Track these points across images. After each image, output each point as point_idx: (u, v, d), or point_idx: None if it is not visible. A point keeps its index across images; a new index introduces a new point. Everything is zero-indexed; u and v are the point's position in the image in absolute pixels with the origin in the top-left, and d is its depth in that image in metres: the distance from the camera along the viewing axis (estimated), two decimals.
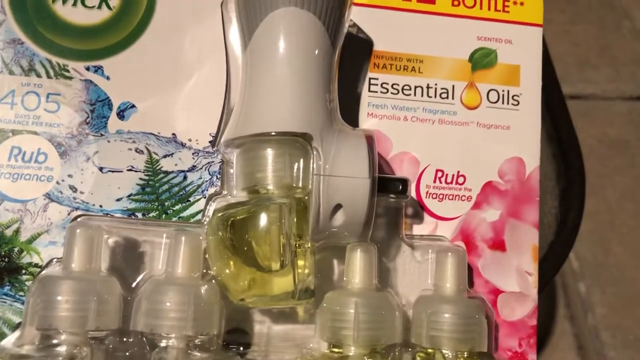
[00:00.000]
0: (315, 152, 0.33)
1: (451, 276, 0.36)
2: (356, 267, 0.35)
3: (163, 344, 0.32)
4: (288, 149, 0.34)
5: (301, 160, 0.34)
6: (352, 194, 0.33)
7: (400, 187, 0.36)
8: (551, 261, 0.51)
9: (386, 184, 0.35)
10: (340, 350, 0.34)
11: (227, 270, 0.34)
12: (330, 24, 0.35)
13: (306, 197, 0.34)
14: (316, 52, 0.34)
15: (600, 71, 1.09)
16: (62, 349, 0.31)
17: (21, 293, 0.36)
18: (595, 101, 1.06)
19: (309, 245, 0.34)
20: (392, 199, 0.37)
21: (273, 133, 0.33)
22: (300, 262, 0.34)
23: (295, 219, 0.33)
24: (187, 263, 0.34)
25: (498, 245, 0.41)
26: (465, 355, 0.34)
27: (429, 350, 0.35)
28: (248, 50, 0.36)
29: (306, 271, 0.34)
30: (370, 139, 0.35)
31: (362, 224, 0.34)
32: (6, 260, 0.36)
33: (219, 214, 0.34)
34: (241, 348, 0.36)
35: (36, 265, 0.36)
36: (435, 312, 0.35)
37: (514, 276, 0.41)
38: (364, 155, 0.34)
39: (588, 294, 0.92)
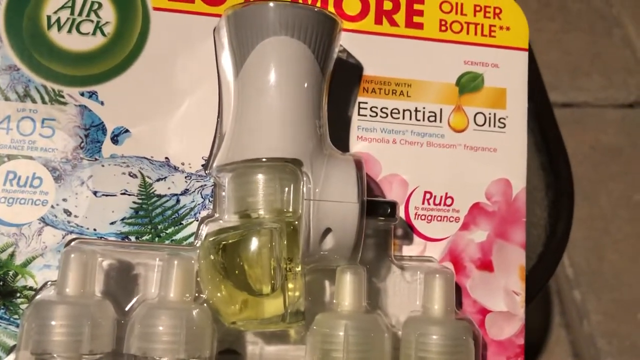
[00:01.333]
0: (305, 177, 0.34)
1: (439, 298, 0.36)
2: (346, 290, 0.36)
3: None
4: (278, 174, 0.34)
5: (291, 185, 0.34)
6: (342, 218, 0.34)
7: (389, 210, 0.37)
8: (540, 272, 0.52)
9: (375, 207, 0.36)
10: None
11: (219, 294, 0.35)
12: (319, 51, 0.36)
13: (296, 222, 0.35)
14: (306, 79, 0.35)
15: (592, 79, 1.09)
16: None
17: (16, 316, 0.36)
18: (587, 109, 1.07)
19: (299, 268, 0.35)
20: (381, 221, 0.38)
21: (264, 159, 0.34)
22: (291, 285, 0.34)
23: (285, 243, 0.34)
24: (180, 287, 0.34)
25: (486, 265, 0.42)
26: None
27: None
28: (239, 78, 0.36)
29: (296, 294, 0.35)
30: (359, 164, 0.35)
31: (351, 247, 0.35)
32: (1, 283, 0.36)
33: (211, 238, 0.35)
34: None
35: (31, 289, 0.36)
36: (423, 334, 0.35)
37: (502, 296, 0.41)
38: (353, 180, 0.34)
39: (583, 301, 0.92)
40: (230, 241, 0.34)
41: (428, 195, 0.41)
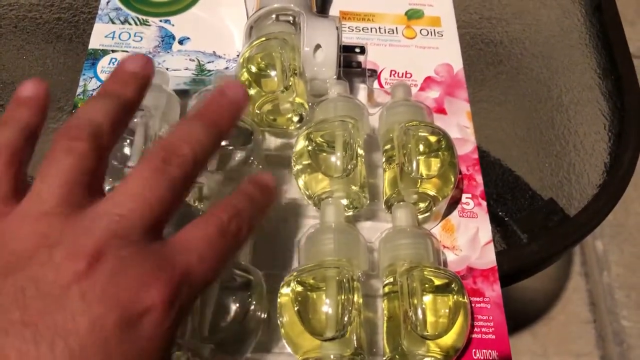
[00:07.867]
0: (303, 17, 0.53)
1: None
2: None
3: None
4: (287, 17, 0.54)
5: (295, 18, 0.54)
6: (327, 37, 0.52)
7: (361, 49, 0.55)
8: (604, 201, 0.57)
9: (350, 48, 0.55)
10: None
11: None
12: None
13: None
14: None
15: (636, 29, 1.08)
16: None
17: None
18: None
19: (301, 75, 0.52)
20: (354, 66, 0.55)
21: (276, 6, 0.54)
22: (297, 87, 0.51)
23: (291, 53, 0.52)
24: None
25: (441, 111, 0.58)
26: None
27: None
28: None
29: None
30: (337, 17, 0.55)
31: (334, 63, 0.52)
32: None
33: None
34: None
35: None
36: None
37: (456, 129, 0.57)
38: (333, 20, 0.54)
39: (605, 252, 0.93)
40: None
41: (393, 72, 0.60)
